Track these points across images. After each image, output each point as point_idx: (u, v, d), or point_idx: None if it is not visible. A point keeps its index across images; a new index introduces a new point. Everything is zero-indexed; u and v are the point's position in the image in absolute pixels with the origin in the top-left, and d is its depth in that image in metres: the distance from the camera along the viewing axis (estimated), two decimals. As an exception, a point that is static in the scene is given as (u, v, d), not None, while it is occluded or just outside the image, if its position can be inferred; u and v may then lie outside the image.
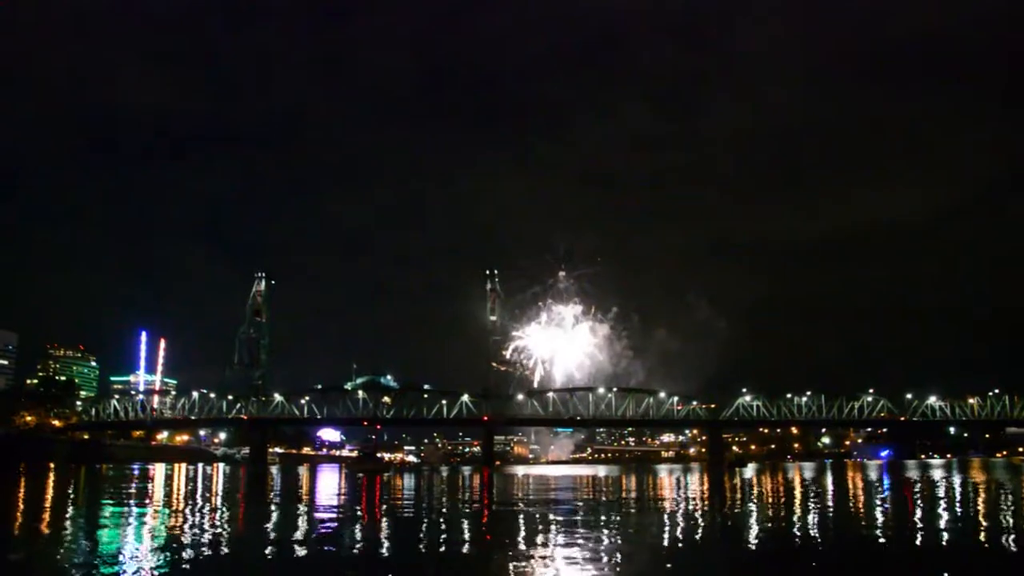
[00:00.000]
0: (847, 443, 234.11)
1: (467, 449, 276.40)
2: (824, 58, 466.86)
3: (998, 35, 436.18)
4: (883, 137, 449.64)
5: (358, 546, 18.17)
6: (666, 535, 19.68)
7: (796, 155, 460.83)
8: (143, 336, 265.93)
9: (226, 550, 17.20)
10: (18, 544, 18.54)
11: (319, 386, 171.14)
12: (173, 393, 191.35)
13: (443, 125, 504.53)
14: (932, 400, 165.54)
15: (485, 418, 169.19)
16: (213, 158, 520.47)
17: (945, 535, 19.74)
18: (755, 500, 33.40)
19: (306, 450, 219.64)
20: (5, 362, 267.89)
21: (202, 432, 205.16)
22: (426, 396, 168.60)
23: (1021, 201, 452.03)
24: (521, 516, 25.65)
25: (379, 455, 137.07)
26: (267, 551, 17.29)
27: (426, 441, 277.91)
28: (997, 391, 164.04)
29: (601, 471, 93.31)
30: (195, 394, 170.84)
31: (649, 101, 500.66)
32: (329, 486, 49.95)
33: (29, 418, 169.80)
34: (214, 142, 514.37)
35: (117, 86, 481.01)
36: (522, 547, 17.03)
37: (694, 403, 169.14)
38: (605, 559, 15.04)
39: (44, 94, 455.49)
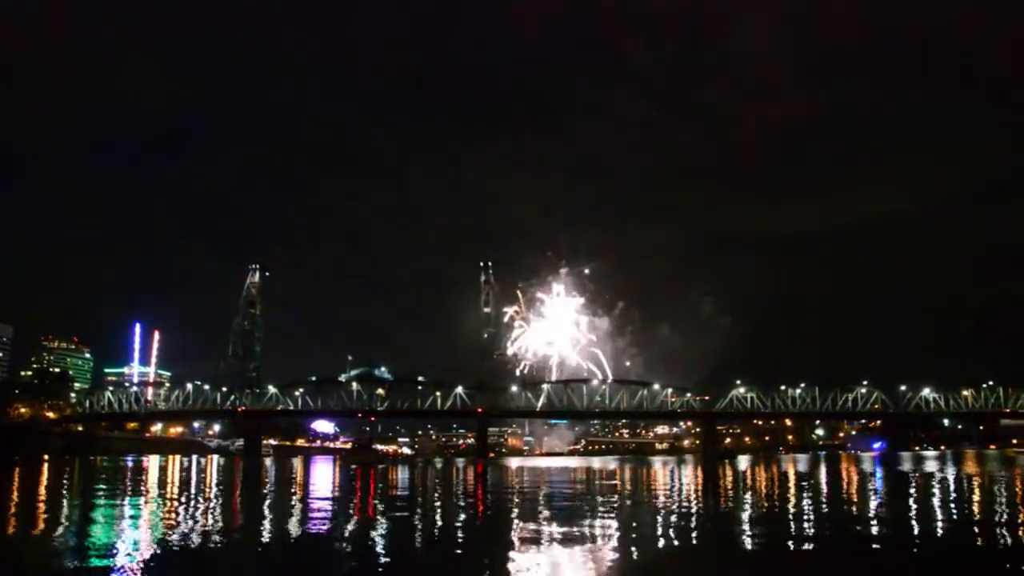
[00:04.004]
0: (841, 435, 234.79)
1: (461, 441, 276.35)
2: (823, 55, 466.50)
3: (996, 32, 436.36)
4: (881, 133, 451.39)
5: (351, 539, 18.06)
6: (659, 524, 19.62)
7: (794, 152, 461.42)
8: (137, 328, 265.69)
9: (218, 545, 17.10)
10: (11, 537, 18.39)
11: (313, 378, 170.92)
12: (167, 385, 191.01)
13: (440, 120, 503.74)
14: (926, 392, 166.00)
15: (479, 410, 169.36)
16: (210, 153, 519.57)
17: (938, 527, 19.72)
18: (747, 491, 33.39)
19: (300, 442, 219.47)
20: (0, 354, 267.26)
21: (196, 424, 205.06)
22: (420, 388, 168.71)
23: (1016, 196, 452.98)
24: (515, 506, 25.59)
25: (373, 447, 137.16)
26: (259, 545, 17.19)
27: (420, 433, 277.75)
28: (991, 383, 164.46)
29: (595, 463, 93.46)
30: (189, 386, 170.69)
31: (648, 97, 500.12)
32: (323, 478, 49.88)
33: (23, 410, 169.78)
34: (212, 137, 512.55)
35: (116, 81, 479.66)
36: (515, 538, 16.94)
37: (688, 395, 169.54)
38: (598, 550, 14.96)
39: (43, 87, 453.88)
